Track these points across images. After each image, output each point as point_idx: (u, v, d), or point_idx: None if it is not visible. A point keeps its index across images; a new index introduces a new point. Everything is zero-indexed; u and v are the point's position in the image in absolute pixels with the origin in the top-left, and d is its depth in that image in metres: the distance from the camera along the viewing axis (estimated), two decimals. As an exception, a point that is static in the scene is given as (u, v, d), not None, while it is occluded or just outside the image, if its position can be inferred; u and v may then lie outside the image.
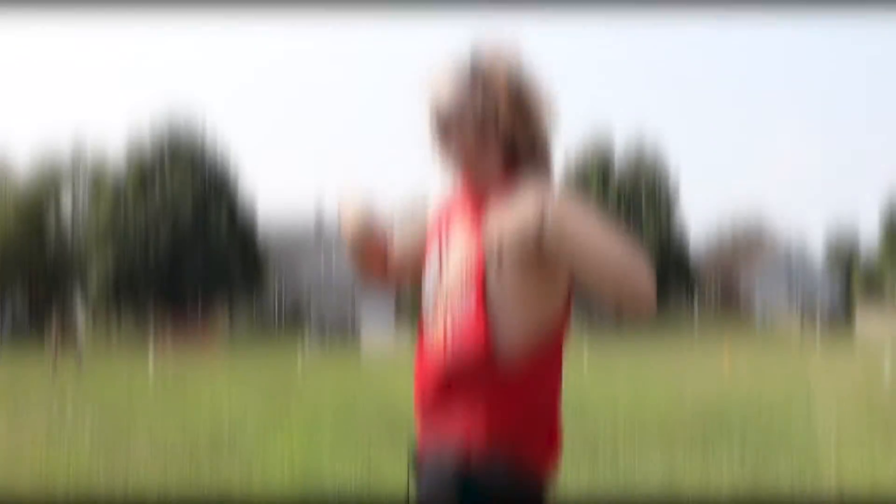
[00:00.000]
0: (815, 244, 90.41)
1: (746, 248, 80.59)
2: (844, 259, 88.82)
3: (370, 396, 15.92)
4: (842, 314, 68.20)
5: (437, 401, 2.18)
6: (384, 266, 2.58)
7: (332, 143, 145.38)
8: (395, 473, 7.33)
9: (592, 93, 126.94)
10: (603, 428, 10.91)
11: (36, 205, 65.62)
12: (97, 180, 66.97)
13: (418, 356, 2.31)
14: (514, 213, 1.96)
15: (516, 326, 2.10)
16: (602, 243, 1.95)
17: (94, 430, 11.76)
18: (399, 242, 2.56)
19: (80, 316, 64.67)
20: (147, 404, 15.71)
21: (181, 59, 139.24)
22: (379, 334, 54.46)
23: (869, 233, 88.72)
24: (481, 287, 2.11)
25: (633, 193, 69.28)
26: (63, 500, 7.29)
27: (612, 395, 15.26)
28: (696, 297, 74.15)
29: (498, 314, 2.10)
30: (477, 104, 2.21)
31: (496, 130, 2.24)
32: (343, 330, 55.05)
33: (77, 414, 14.01)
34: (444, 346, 2.18)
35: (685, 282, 68.01)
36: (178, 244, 59.88)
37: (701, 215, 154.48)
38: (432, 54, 2.36)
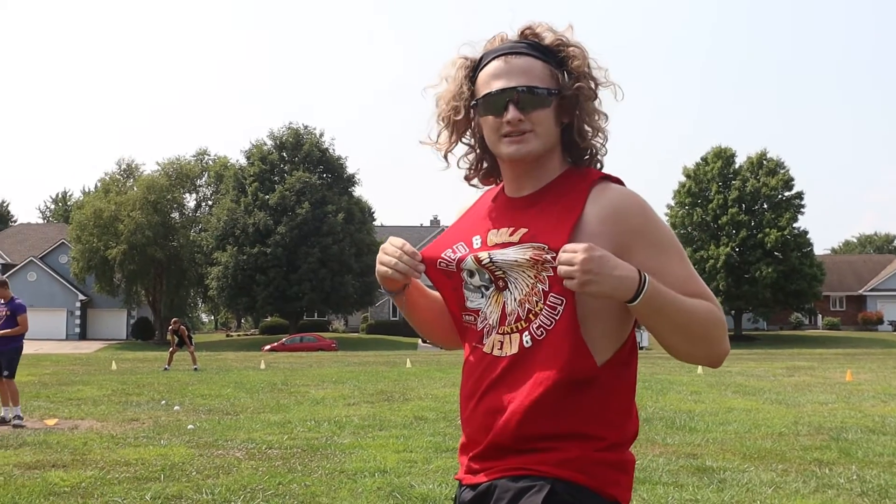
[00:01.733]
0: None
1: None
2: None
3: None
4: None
5: (518, 423, 2.07)
6: (437, 322, 2.48)
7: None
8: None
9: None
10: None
11: (162, 204, 68.40)
12: (221, 182, 69.52)
13: (470, 371, 2.21)
14: (609, 266, 1.94)
15: (601, 339, 2.08)
16: (689, 312, 2.02)
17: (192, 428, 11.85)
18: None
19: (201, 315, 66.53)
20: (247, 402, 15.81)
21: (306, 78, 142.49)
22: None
23: None
24: (572, 300, 2.04)
25: (754, 198, 67.57)
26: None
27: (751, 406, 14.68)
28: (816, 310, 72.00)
29: (586, 326, 2.08)
30: (545, 71, 2.16)
31: (562, 104, 2.18)
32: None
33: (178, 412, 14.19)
34: (525, 364, 2.09)
35: (809, 293, 65.83)
36: (296, 245, 60.99)
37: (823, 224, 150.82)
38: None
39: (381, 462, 8.91)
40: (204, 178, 76.06)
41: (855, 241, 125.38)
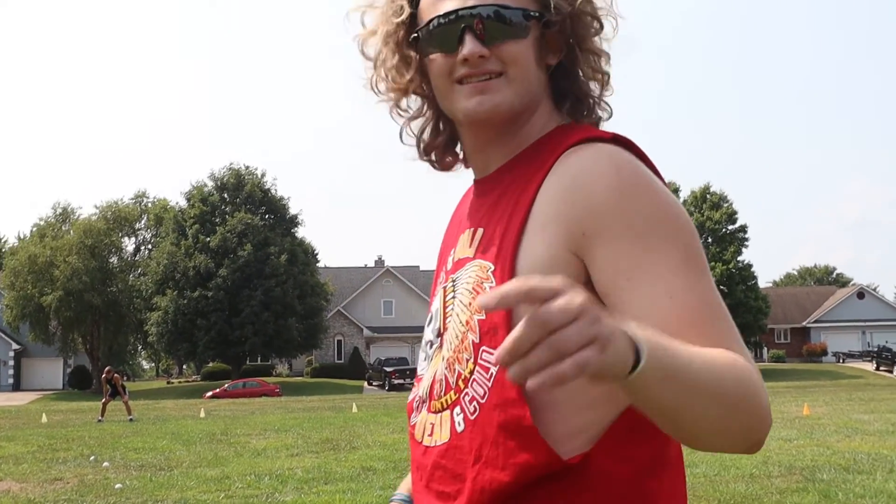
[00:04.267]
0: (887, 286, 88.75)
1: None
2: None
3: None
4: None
5: None
6: None
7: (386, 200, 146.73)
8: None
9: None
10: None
11: (100, 249, 67.31)
12: (160, 225, 68.66)
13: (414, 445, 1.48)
14: (589, 322, 0.97)
15: (571, 410, 1.27)
16: (712, 382, 1.12)
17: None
18: None
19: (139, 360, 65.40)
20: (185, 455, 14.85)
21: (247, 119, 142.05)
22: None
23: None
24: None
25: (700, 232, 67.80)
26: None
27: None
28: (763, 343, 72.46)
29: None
30: None
31: (548, 35, 1.41)
32: (402, 376, 54.37)
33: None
34: (458, 459, 1.34)
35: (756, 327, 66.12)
36: (238, 288, 60.08)
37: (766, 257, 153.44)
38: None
39: (326, 523, 8.10)
40: (143, 221, 74.85)
41: (795, 273, 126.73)
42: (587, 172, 1.27)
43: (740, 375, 1.15)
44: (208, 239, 62.36)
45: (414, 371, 56.24)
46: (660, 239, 1.23)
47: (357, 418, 24.00)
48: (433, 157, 1.58)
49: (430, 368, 1.43)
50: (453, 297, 1.39)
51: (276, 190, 67.47)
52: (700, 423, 1.13)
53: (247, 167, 67.30)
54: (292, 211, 67.36)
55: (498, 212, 1.37)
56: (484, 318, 1.28)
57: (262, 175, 67.11)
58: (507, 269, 1.28)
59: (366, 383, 60.34)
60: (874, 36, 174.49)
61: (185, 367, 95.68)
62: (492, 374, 1.28)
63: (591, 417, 1.26)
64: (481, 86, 1.36)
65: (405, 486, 1.66)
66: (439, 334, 1.41)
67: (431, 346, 1.44)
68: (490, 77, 1.36)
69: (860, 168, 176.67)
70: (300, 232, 70.50)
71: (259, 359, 70.30)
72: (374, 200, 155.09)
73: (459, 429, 1.32)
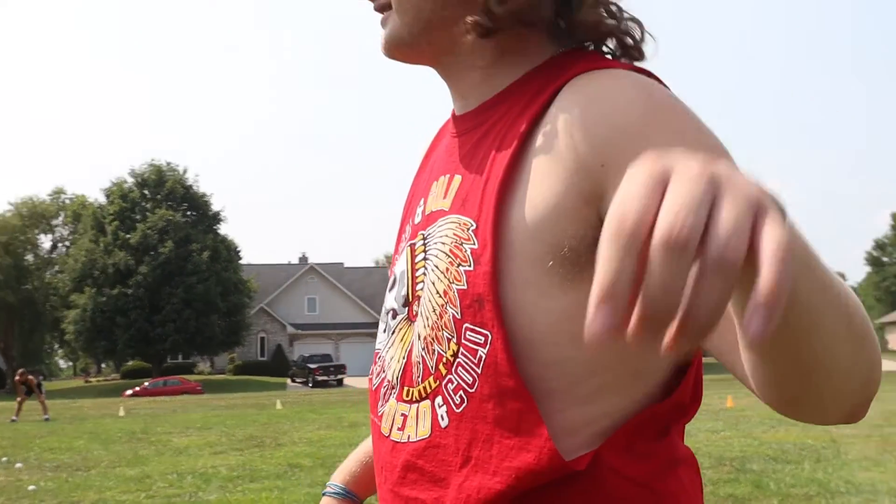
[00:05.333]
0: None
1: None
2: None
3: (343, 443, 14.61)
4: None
5: None
6: None
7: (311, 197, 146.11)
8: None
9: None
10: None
11: (15, 246, 65.93)
12: (79, 222, 67.42)
13: (375, 455, 1.22)
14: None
15: (579, 398, 1.02)
16: (837, 284, 0.80)
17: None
18: None
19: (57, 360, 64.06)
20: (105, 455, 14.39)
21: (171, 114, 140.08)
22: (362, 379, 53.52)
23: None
24: (501, 333, 1.01)
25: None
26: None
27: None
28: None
29: (543, 365, 1.01)
30: None
31: None
32: (326, 373, 54.05)
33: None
34: (441, 459, 1.07)
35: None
36: (159, 285, 59.20)
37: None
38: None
39: (252, 522, 7.82)
40: (60, 218, 73.37)
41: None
42: (606, 96, 0.99)
43: (851, 293, 0.83)
44: (128, 236, 61.27)
45: (339, 368, 56.06)
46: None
47: (281, 415, 23.62)
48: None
49: (397, 345, 1.16)
50: (424, 259, 1.13)
51: (198, 186, 66.55)
52: (835, 348, 0.80)
53: (168, 163, 66.27)
54: (215, 207, 66.48)
55: (479, 155, 1.10)
56: (465, 287, 1.02)
57: (184, 171, 66.12)
58: (491, 227, 1.02)
59: (289, 380, 59.82)
60: None
61: (103, 365, 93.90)
62: (480, 357, 1.01)
63: (597, 411, 1.02)
64: (382, 21, 1.18)
65: (341, 476, 1.43)
66: (407, 303, 1.15)
67: (395, 317, 1.18)
68: (383, 10, 1.18)
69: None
70: (223, 229, 69.67)
71: (180, 357, 69.27)
72: (298, 198, 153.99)
73: (443, 423, 1.06)
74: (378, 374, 1.21)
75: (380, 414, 1.18)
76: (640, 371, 1.02)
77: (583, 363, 0.99)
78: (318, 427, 18.73)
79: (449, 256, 1.06)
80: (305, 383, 55.50)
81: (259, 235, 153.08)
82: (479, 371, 1.01)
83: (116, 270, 59.85)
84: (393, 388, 1.15)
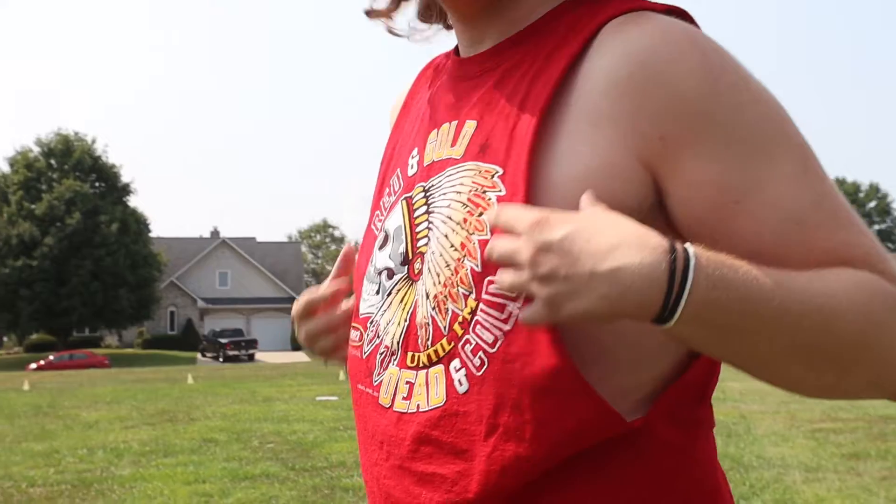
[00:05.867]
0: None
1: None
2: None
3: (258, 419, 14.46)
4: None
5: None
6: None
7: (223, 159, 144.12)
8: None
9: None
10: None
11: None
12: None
13: (360, 434, 1.13)
14: (593, 245, 0.85)
15: (626, 357, 0.98)
16: (812, 316, 0.88)
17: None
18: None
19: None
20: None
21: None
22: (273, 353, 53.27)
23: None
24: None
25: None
26: None
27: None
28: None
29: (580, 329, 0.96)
30: None
31: None
32: (237, 347, 53.50)
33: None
34: (460, 429, 0.99)
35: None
36: (66, 257, 57.94)
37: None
38: None
39: (169, 497, 7.68)
40: (-39, 187, 71.04)
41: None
42: (661, 55, 0.94)
43: (866, 297, 0.89)
44: (33, 206, 59.73)
45: (250, 342, 55.50)
46: (774, 143, 0.93)
47: (194, 389, 23.24)
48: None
49: (396, 307, 1.08)
50: (427, 212, 1.05)
51: (107, 157, 65.12)
52: (788, 367, 0.92)
53: (76, 133, 64.73)
54: (125, 179, 65.18)
55: (500, 99, 1.03)
56: (489, 237, 0.96)
57: (93, 141, 64.63)
58: (524, 174, 0.96)
59: (199, 355, 59.09)
60: None
61: (5, 338, 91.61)
62: (510, 312, 0.94)
63: (643, 377, 0.98)
64: None
65: None
66: (406, 260, 1.07)
67: (392, 276, 1.09)
68: None
69: None
70: (133, 201, 68.42)
71: (87, 330, 67.96)
72: (210, 171, 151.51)
73: (461, 389, 0.98)
74: (371, 341, 1.12)
75: (376, 383, 1.09)
76: (664, 342, 0.97)
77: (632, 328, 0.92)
78: (232, 402, 18.48)
79: (467, 206, 1.00)
80: (216, 358, 54.88)
81: (170, 209, 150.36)
82: (506, 328, 0.95)
83: (20, 241, 58.36)
84: (393, 354, 1.07)
